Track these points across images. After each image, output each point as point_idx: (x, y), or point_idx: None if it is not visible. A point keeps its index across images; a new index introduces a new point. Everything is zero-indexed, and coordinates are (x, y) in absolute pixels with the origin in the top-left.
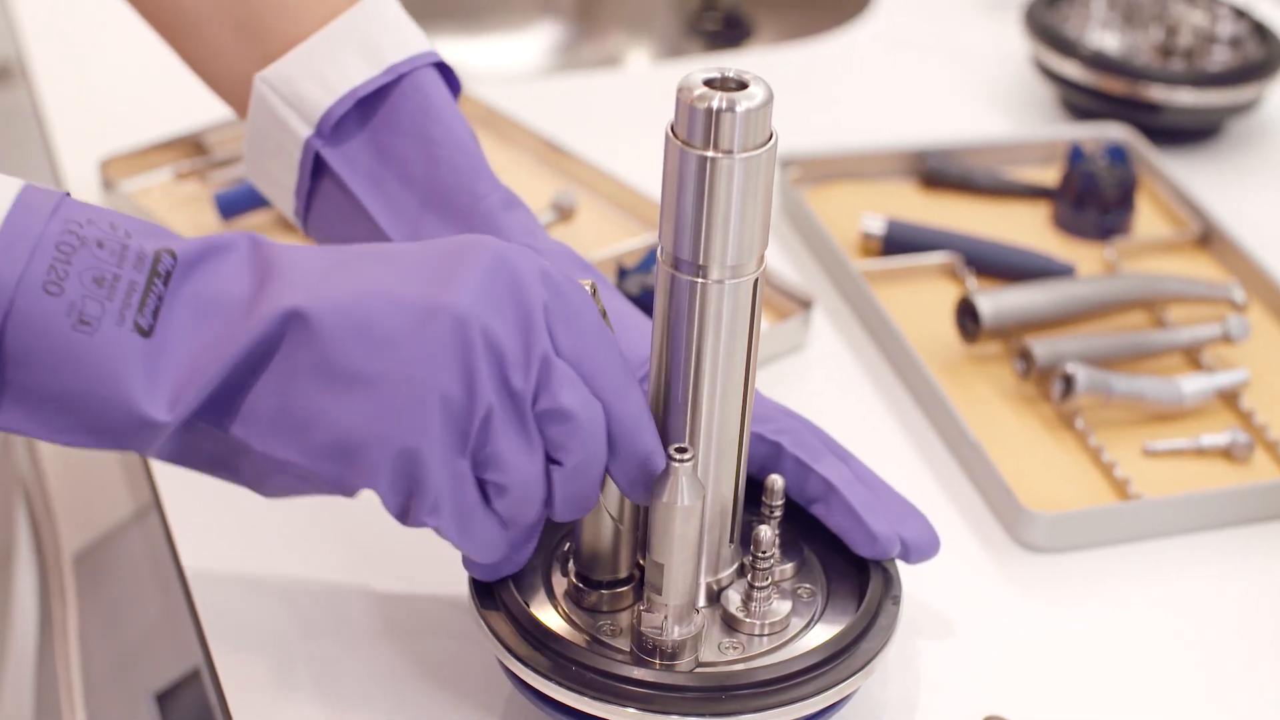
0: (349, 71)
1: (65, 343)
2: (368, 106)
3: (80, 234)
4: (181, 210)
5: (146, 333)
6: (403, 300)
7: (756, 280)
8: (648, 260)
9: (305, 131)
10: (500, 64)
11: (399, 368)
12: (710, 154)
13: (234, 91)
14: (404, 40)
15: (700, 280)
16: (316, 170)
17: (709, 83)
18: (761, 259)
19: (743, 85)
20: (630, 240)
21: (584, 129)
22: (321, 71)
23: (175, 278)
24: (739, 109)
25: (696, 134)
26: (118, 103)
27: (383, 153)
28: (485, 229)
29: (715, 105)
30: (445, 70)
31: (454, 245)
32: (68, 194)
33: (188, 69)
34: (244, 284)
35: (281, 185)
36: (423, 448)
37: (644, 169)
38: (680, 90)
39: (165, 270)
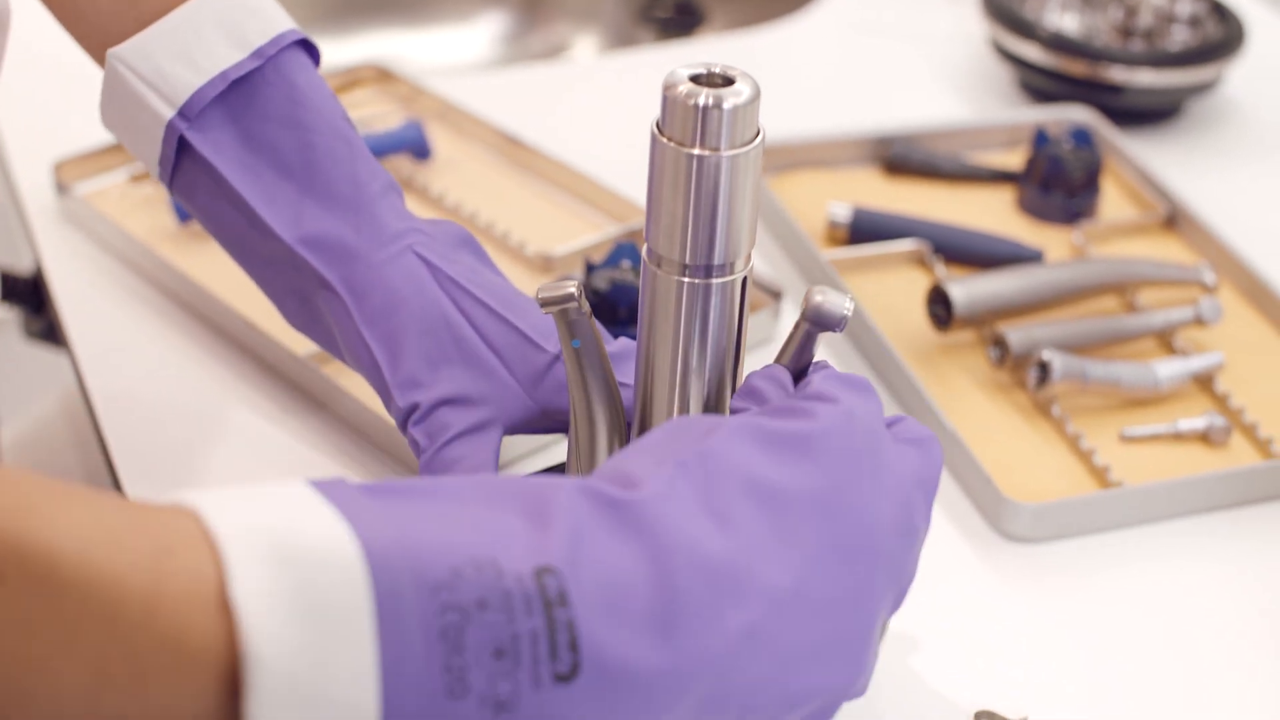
0: (216, 53)
1: None
2: (232, 92)
3: (458, 602)
4: (137, 213)
5: (569, 675)
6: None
7: (744, 279)
8: (615, 255)
9: (168, 112)
10: (446, 56)
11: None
12: (697, 151)
13: (104, 54)
14: (267, 21)
15: (686, 279)
16: (181, 148)
17: (695, 79)
18: (749, 258)
19: (729, 81)
20: (594, 234)
21: (537, 121)
22: (186, 50)
23: (573, 593)
24: (726, 105)
25: (683, 131)
26: (70, 104)
27: (252, 141)
28: (371, 215)
29: (702, 102)
30: (307, 44)
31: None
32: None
33: (62, 26)
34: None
35: (142, 153)
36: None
37: (602, 161)
38: (666, 87)
39: (557, 593)
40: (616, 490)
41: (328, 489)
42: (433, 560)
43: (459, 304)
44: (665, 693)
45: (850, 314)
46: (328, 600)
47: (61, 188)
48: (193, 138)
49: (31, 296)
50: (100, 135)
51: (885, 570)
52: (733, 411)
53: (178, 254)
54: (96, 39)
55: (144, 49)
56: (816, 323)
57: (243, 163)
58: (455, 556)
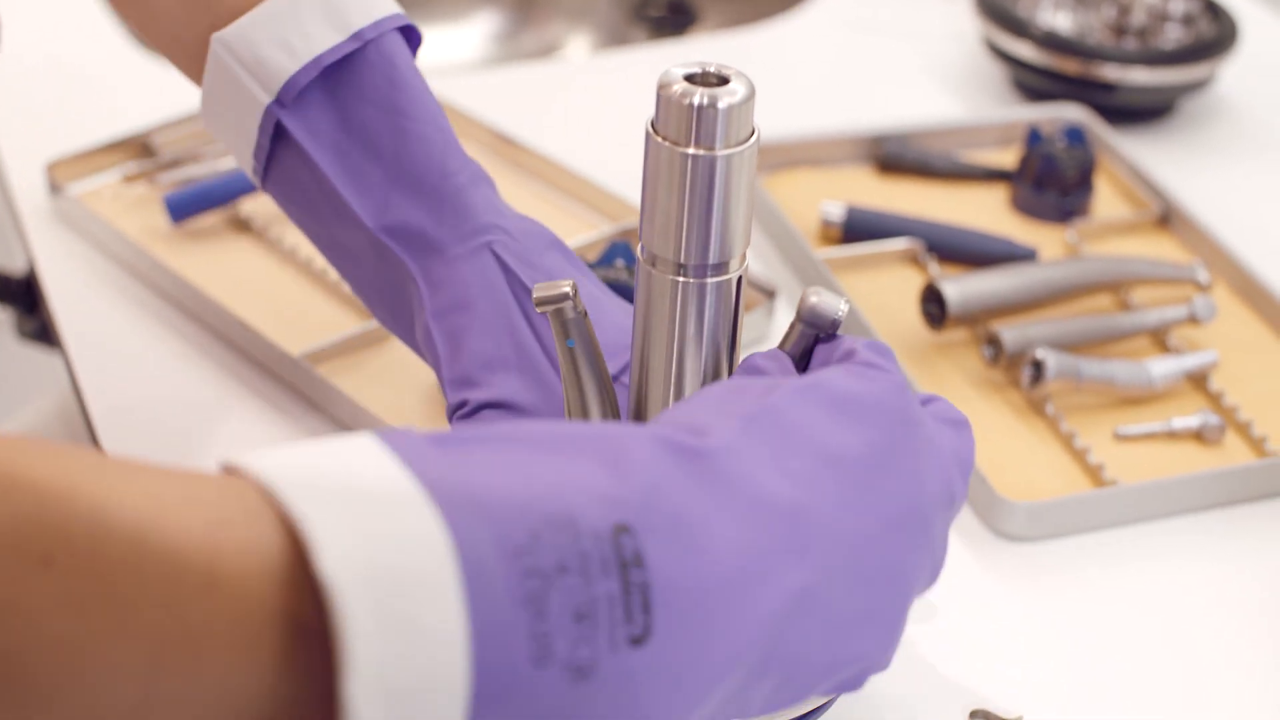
0: (313, 37)
1: (572, 707)
2: (332, 74)
3: (539, 567)
4: (130, 213)
5: (642, 638)
6: None
7: (739, 279)
8: (609, 254)
9: (265, 98)
10: (440, 54)
11: None
12: (692, 151)
13: (184, 57)
14: (369, 3)
15: (681, 279)
16: (277, 135)
17: (690, 78)
18: (744, 257)
19: (724, 80)
20: (589, 233)
21: (530, 120)
22: (284, 36)
23: (649, 553)
24: (721, 105)
25: (678, 130)
26: (63, 104)
27: (348, 123)
28: (455, 206)
29: (697, 101)
30: (408, 30)
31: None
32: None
33: (135, 33)
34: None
35: (238, 146)
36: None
37: (596, 160)
38: (661, 86)
39: (632, 553)
40: (691, 439)
41: (395, 442)
42: (512, 522)
43: (526, 310)
44: (731, 653)
45: (844, 316)
46: (410, 569)
47: (55, 188)
48: (288, 122)
49: (25, 297)
50: (93, 135)
51: (928, 542)
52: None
53: (171, 254)
54: (175, 48)
55: (244, 34)
56: (811, 324)
57: (335, 145)
58: (533, 516)
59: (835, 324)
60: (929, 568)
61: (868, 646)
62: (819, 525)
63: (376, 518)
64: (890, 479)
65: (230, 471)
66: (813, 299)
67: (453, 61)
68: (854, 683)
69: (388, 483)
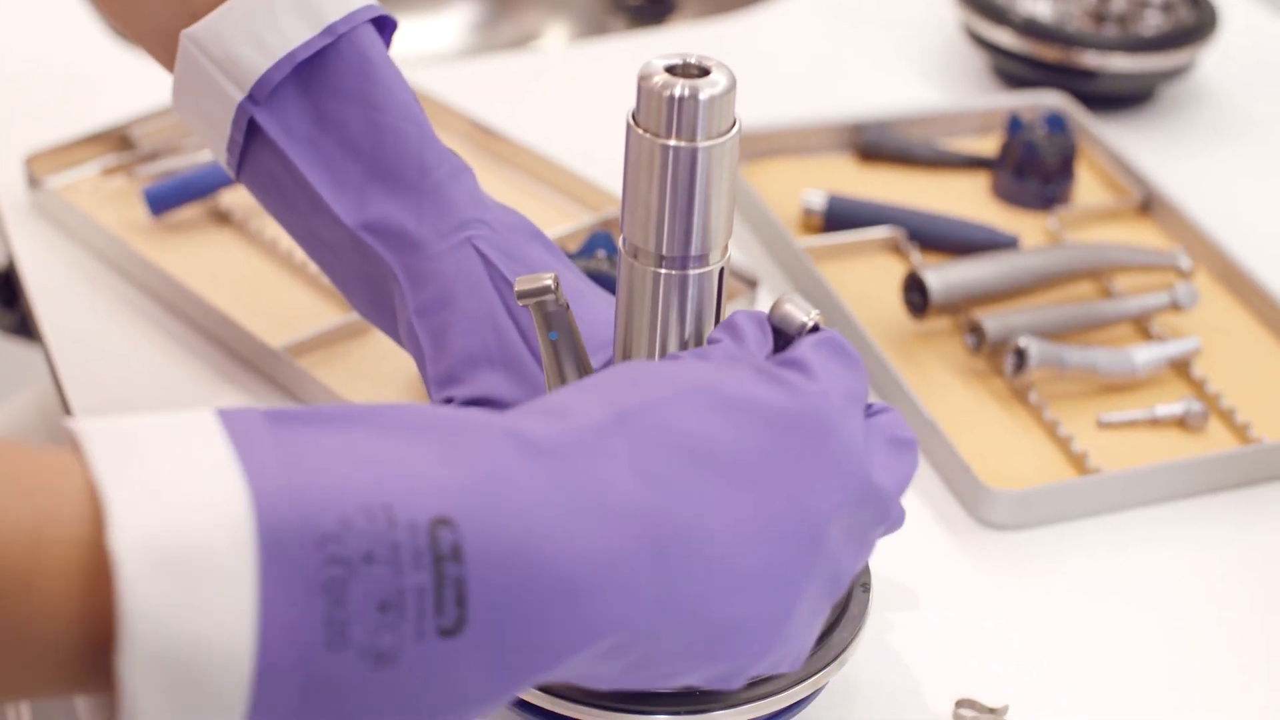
0: (286, 31)
1: (372, 690)
2: (305, 69)
3: (343, 555)
4: (110, 206)
5: (454, 630)
6: None
7: (721, 270)
8: (590, 244)
9: (238, 95)
10: (417, 44)
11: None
12: (673, 142)
13: (163, 51)
14: None
15: (663, 271)
16: (251, 130)
17: (670, 69)
18: (725, 249)
19: (705, 71)
20: (569, 224)
21: (508, 110)
22: (256, 30)
23: (469, 546)
24: (702, 96)
25: (658, 122)
26: (42, 97)
27: (323, 119)
28: (435, 202)
29: (677, 93)
30: (382, 20)
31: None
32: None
33: (115, 26)
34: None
35: (213, 140)
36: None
37: (575, 150)
38: (641, 77)
39: (450, 547)
40: (543, 427)
41: (232, 422)
42: (323, 509)
43: (509, 304)
44: (567, 646)
45: (811, 324)
46: (208, 551)
47: (33, 181)
48: (262, 120)
49: (3, 290)
50: (71, 128)
51: (817, 555)
52: (710, 342)
53: (151, 247)
54: (152, 39)
55: (215, 30)
56: (778, 330)
57: (311, 141)
58: (348, 505)
59: (802, 330)
60: (826, 578)
61: (738, 649)
62: (678, 526)
63: (182, 497)
64: (773, 485)
65: (72, 444)
66: (786, 306)
67: (430, 51)
68: (728, 680)
69: (206, 463)
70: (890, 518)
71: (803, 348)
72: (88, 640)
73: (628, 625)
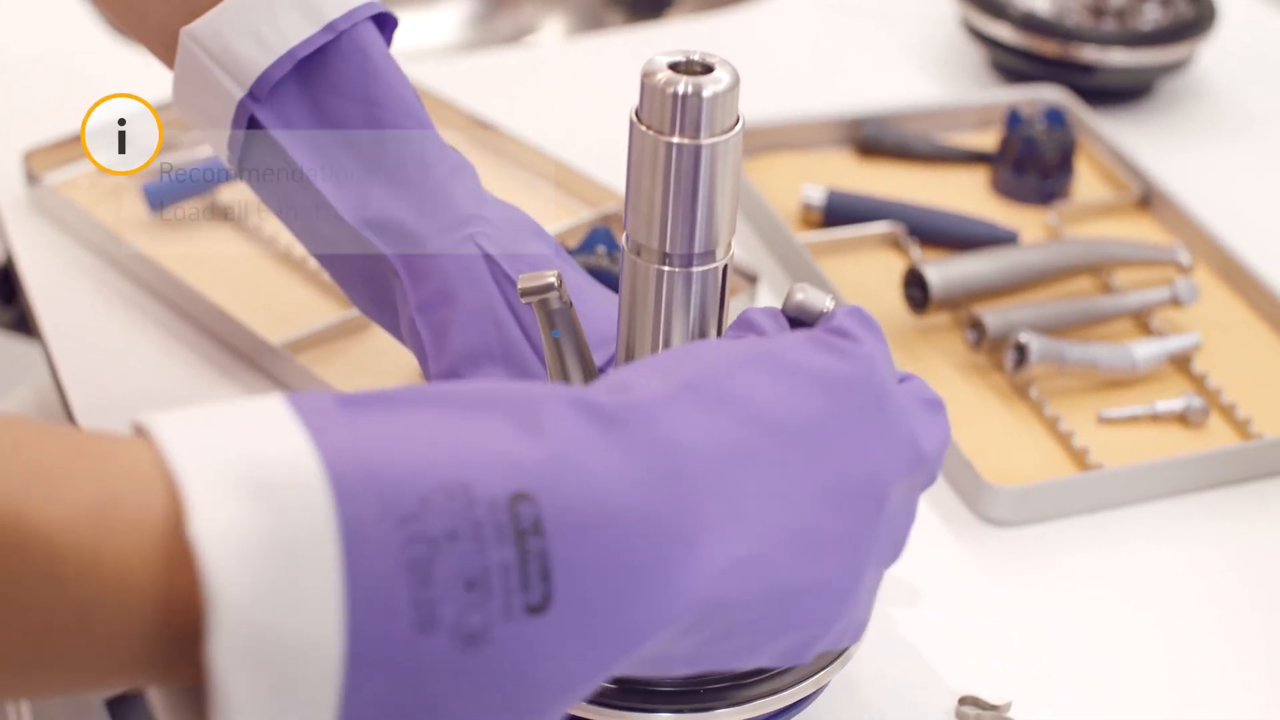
0: (286, 28)
1: (463, 673)
2: (305, 66)
3: (426, 533)
4: (108, 202)
5: (541, 606)
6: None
7: (724, 267)
8: (590, 240)
9: (238, 93)
10: (413, 39)
11: None
12: (676, 140)
13: (163, 48)
14: None
15: (666, 268)
16: (251, 127)
17: (674, 66)
18: (729, 246)
19: (708, 69)
20: (569, 219)
21: (505, 104)
22: (256, 27)
23: (549, 521)
24: (705, 93)
25: (662, 119)
26: (40, 92)
27: (323, 116)
28: (436, 198)
29: (681, 90)
30: (382, 17)
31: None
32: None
33: (115, 23)
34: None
35: (212, 136)
36: None
37: (573, 145)
38: (644, 75)
39: (531, 521)
40: (611, 398)
41: (302, 404)
42: (402, 488)
43: (510, 301)
44: (650, 620)
45: (830, 310)
46: (290, 536)
47: (32, 177)
48: (263, 116)
49: (2, 287)
50: (70, 124)
51: (882, 515)
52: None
53: (150, 243)
54: (152, 36)
55: (215, 27)
56: (798, 320)
57: (311, 139)
58: (425, 483)
59: (823, 314)
60: (887, 542)
61: (812, 616)
62: (753, 491)
63: (259, 484)
64: (837, 449)
65: (139, 432)
66: (799, 295)
67: (426, 46)
68: (799, 653)
69: (282, 448)
70: (933, 479)
71: (840, 318)
72: (164, 628)
73: (710, 594)
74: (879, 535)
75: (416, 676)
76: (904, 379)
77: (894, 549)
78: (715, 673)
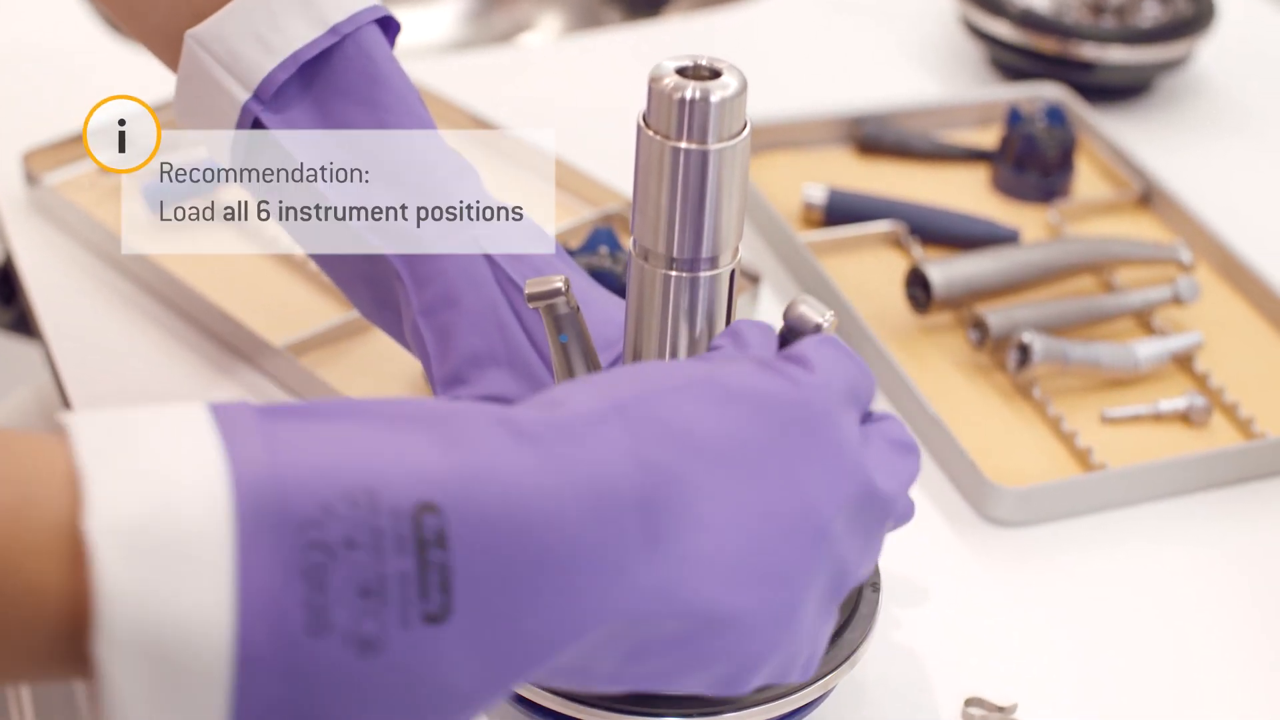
0: (290, 31)
1: (360, 680)
2: (309, 69)
3: (324, 540)
4: (107, 202)
5: (439, 617)
6: None
7: (732, 272)
8: (592, 241)
9: (243, 95)
10: (408, 37)
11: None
12: (683, 145)
13: (165, 49)
14: None
15: (673, 273)
16: (255, 129)
17: (681, 71)
18: (736, 250)
19: (716, 74)
20: (568, 219)
21: (503, 102)
22: (260, 30)
23: (455, 532)
24: (713, 99)
25: (669, 124)
26: (40, 92)
27: (327, 119)
28: (440, 203)
29: (688, 95)
30: (385, 20)
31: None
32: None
33: (116, 24)
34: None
35: (214, 141)
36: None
37: (572, 143)
38: (652, 79)
39: (434, 533)
40: (536, 414)
41: (221, 413)
42: (305, 495)
43: (514, 304)
44: (552, 633)
45: (828, 325)
46: (186, 536)
47: (31, 178)
48: (267, 119)
49: (2, 287)
50: (70, 124)
51: (819, 551)
52: (712, 349)
53: (150, 243)
54: (155, 38)
55: (219, 30)
56: (793, 331)
57: (315, 142)
58: (329, 491)
59: (816, 331)
60: (830, 576)
61: (739, 646)
62: (673, 513)
63: (161, 481)
64: (769, 476)
65: (53, 434)
66: (800, 308)
67: (421, 44)
68: (733, 684)
69: (189, 449)
70: (897, 513)
71: (804, 345)
72: (71, 624)
73: (619, 612)
74: (816, 569)
75: (312, 681)
76: (877, 418)
77: (840, 584)
78: None
